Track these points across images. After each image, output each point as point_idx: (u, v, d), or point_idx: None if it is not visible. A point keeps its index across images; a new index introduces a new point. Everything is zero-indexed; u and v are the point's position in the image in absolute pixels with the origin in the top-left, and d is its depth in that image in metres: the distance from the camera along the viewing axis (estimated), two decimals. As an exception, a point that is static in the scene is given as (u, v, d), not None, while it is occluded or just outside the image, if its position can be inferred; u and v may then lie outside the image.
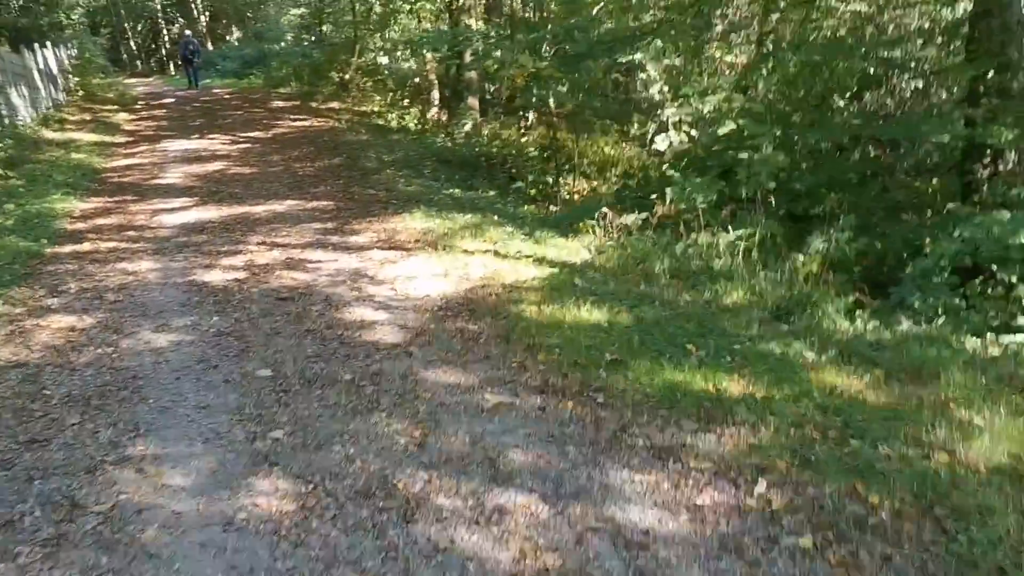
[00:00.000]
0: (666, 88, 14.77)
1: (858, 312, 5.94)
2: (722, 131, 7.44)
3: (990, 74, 8.45)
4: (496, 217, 9.04)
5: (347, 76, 23.43)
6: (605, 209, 8.01)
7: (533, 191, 11.54)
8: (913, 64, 11.27)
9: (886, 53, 11.75)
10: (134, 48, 37.20)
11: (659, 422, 4.08)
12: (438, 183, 11.67)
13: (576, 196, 12.15)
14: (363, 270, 7.26)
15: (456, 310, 6.09)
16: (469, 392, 4.61)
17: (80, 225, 9.75)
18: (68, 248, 8.59)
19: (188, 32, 29.90)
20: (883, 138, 8.51)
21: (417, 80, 21.61)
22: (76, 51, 26.18)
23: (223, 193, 11.30)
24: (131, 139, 16.83)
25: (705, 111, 7.96)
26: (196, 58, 26.64)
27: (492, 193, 11.36)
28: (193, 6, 36.23)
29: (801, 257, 6.63)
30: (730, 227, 7.82)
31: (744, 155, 7.46)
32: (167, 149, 15.27)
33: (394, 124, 17.90)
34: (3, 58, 16.02)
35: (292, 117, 19.08)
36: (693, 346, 5.03)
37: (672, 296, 6.26)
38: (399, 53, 24.80)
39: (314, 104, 21.20)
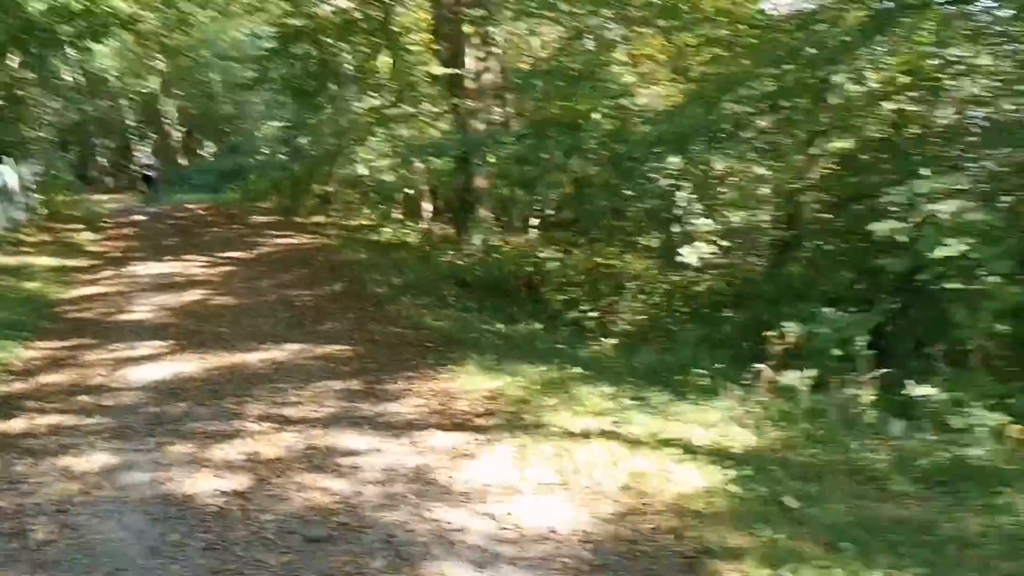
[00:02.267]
0: (695, 196, 12.61)
1: None
2: (942, 252, 5.02)
3: None
4: (577, 369, 6.51)
5: (330, 189, 21.09)
6: (761, 366, 5.54)
7: (591, 322, 9.06)
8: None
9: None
10: (105, 164, 34.67)
11: None
12: (470, 314, 9.16)
13: (631, 326, 9.69)
14: (428, 472, 4.65)
15: (622, 570, 3.49)
16: None
17: (17, 386, 7.05)
18: (-8, 428, 5.90)
19: (146, 151, 27.82)
20: None
21: (410, 191, 19.27)
22: (40, 167, 23.58)
23: (205, 333, 8.67)
24: (95, 262, 14.16)
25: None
26: (155, 174, 24.51)
27: (538, 326, 8.86)
28: (165, 121, 33.98)
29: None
30: (915, 381, 5.36)
31: (954, 284, 5.05)
32: (136, 273, 12.64)
33: (390, 240, 15.46)
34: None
35: (276, 234, 16.57)
36: None
37: (953, 526, 3.72)
38: (382, 162, 22.61)
39: (298, 219, 18.77)
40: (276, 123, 29.80)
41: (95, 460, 5.13)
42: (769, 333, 6.68)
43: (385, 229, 16.13)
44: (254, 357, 7.58)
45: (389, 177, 22.34)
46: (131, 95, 33.13)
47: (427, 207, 19.10)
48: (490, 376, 6.36)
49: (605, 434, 4.99)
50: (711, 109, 8.35)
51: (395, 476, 4.60)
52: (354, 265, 12.50)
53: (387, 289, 10.52)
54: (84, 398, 6.58)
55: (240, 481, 4.65)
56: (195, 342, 8.31)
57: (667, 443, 4.81)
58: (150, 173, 24.11)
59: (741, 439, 4.89)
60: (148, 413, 6.08)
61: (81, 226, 18.79)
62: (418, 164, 19.03)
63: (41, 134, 28.12)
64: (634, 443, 4.84)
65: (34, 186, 21.23)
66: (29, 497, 4.57)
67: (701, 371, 6.35)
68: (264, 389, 6.50)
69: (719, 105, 8.48)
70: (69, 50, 22.59)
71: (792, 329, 6.44)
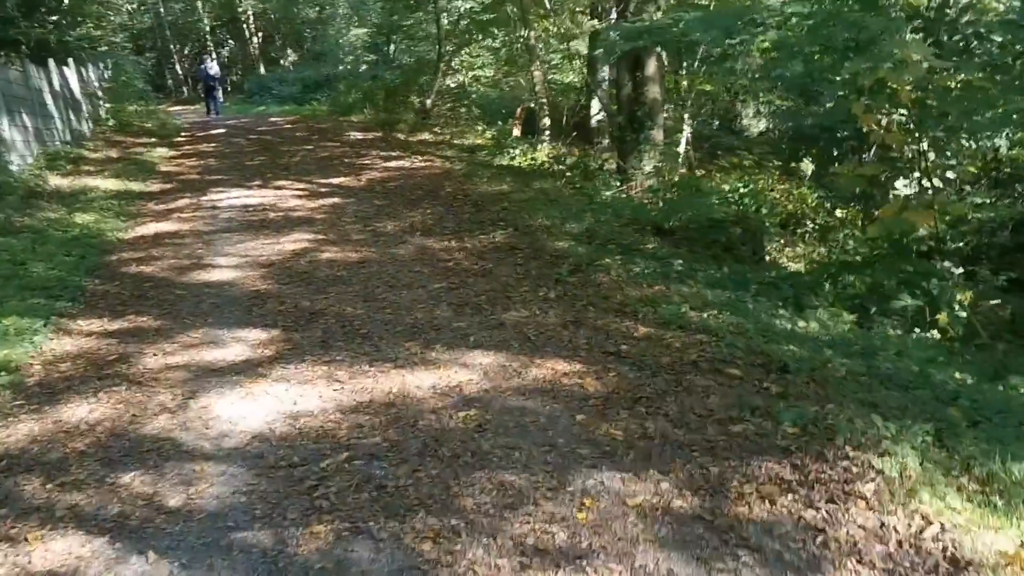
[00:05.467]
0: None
1: None
2: None
3: None
4: None
5: (428, 102, 17.47)
6: None
7: (942, 316, 5.51)
8: None
9: None
10: (180, 73, 31.39)
11: None
12: (726, 293, 5.65)
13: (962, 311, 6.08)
14: None
15: None
16: None
17: (22, 432, 3.83)
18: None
19: (206, 56, 24.41)
20: None
21: (531, 104, 15.60)
22: (110, 73, 20.34)
23: (326, 316, 5.35)
24: (168, 186, 10.92)
25: None
26: (217, 84, 21.50)
27: (848, 317, 5.34)
28: (245, 27, 30.42)
29: None
30: None
31: None
32: (217, 205, 9.35)
33: (524, 165, 11.87)
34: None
35: (380, 154, 13.09)
36: None
37: None
38: (488, 72, 18.96)
39: (400, 136, 15.23)
40: (362, 30, 26.13)
41: None
42: None
43: (514, 151, 12.50)
44: (424, 380, 4.22)
45: (482, 90, 18.86)
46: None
47: (546, 123, 15.47)
48: (966, 494, 2.87)
49: None
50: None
51: None
52: (499, 200, 9.01)
53: (569, 242, 7.04)
54: (134, 481, 3.32)
55: None
56: (314, 336, 5.00)
57: None
58: (212, 84, 21.06)
59: None
60: (258, 557, 2.78)
61: (153, 140, 15.52)
62: (537, 73, 15.37)
63: (112, 38, 24.82)
64: None
65: (101, 93, 18.04)
66: None
67: None
68: (478, 486, 3.13)
69: None
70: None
71: None
